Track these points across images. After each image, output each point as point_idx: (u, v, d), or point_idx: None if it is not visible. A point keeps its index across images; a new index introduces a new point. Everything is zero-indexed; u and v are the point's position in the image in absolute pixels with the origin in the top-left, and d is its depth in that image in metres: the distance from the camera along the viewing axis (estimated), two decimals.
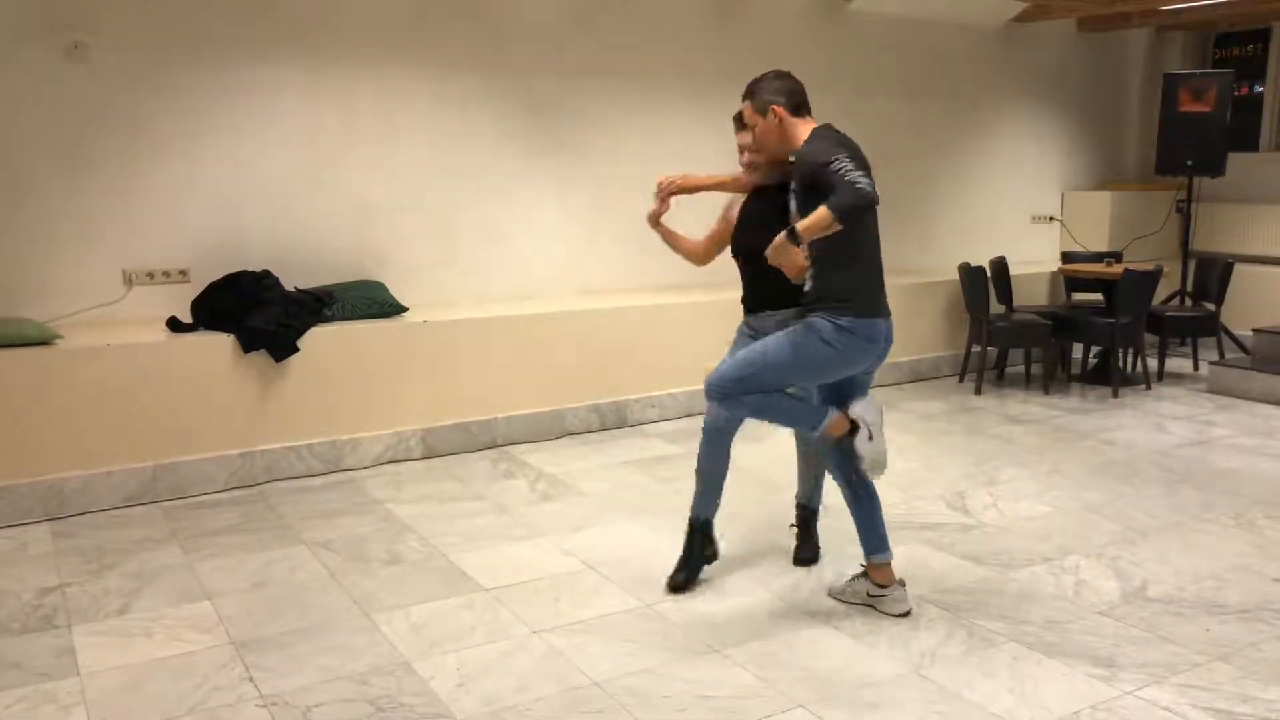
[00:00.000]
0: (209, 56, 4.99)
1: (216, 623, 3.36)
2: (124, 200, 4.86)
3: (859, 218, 3.02)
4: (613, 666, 3.06)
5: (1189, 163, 7.35)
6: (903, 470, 5.00)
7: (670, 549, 3.97)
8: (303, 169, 5.28)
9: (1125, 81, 8.71)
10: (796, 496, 3.93)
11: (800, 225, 3.00)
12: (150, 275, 4.95)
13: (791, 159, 3.29)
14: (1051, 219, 8.45)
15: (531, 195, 5.93)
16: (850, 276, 3.23)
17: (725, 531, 4.16)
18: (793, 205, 3.31)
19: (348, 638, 3.25)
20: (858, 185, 2.93)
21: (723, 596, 3.56)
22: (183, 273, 5.01)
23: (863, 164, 3.04)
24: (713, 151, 6.58)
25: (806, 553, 3.86)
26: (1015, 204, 8.22)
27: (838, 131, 3.24)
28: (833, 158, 3.00)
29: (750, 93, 3.34)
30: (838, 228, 2.96)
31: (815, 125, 3.28)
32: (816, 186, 3.06)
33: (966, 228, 7.90)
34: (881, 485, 4.74)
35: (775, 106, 3.26)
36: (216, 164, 5.06)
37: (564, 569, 3.79)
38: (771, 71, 3.35)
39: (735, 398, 3.28)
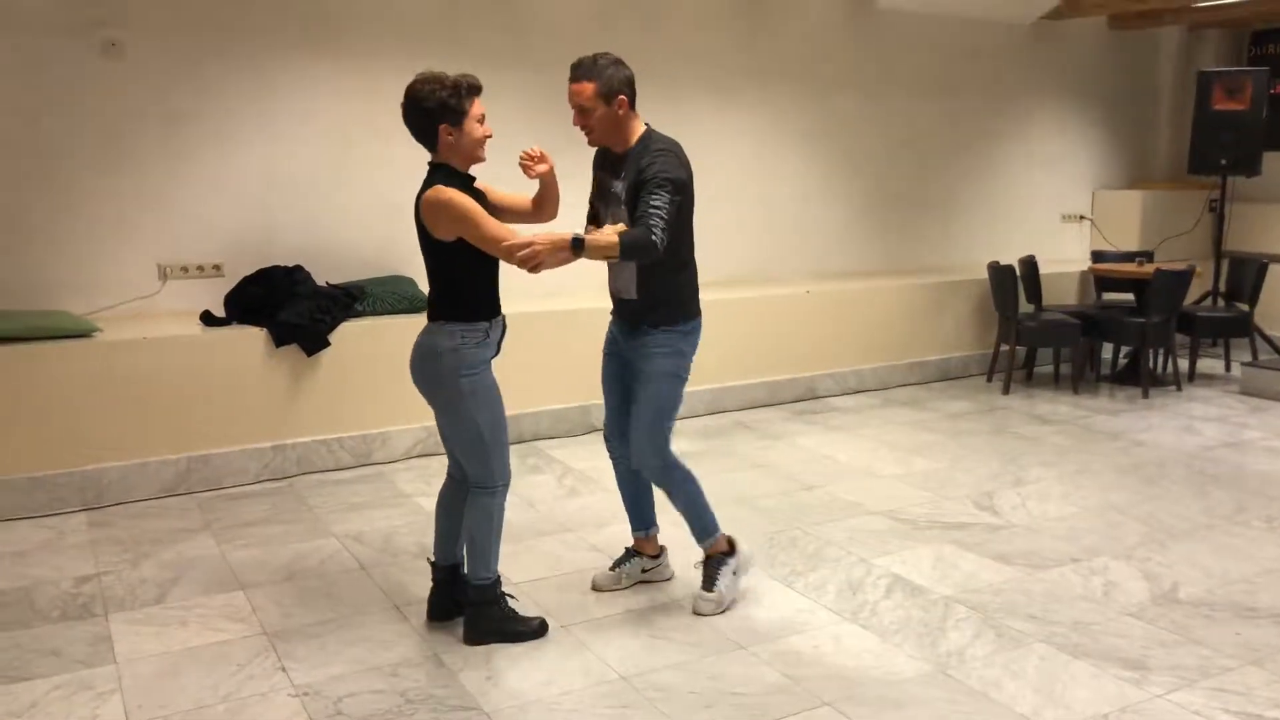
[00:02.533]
0: (242, 54, 5.04)
1: (250, 613, 3.41)
2: (159, 195, 4.93)
3: (634, 260, 3.08)
4: (640, 662, 3.08)
5: (1223, 162, 7.26)
6: (930, 470, 4.99)
7: (696, 545, 3.99)
8: (333, 165, 5.33)
9: (1157, 79, 8.62)
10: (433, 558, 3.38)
11: (590, 241, 2.95)
12: (184, 269, 5.02)
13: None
14: (1082, 218, 8.39)
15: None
16: (685, 279, 3.32)
17: (753, 524, 4.17)
18: (619, 187, 3.20)
19: (378, 630, 3.29)
20: (653, 237, 2.97)
21: (749, 594, 3.57)
22: (216, 267, 5.07)
23: (680, 199, 3.07)
24: (741, 148, 6.59)
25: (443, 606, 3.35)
26: (1045, 203, 8.16)
27: (676, 145, 3.19)
28: (663, 195, 3.02)
29: (593, 73, 3.09)
30: (614, 260, 3.03)
31: (645, 125, 3.22)
32: (637, 197, 3.08)
33: (995, 226, 7.85)
34: (909, 484, 4.75)
35: (622, 97, 3.13)
36: (249, 160, 5.11)
37: (591, 564, 3.81)
38: (611, 55, 3.13)
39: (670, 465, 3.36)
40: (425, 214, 2.98)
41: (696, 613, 3.40)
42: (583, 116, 3.14)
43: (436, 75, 2.99)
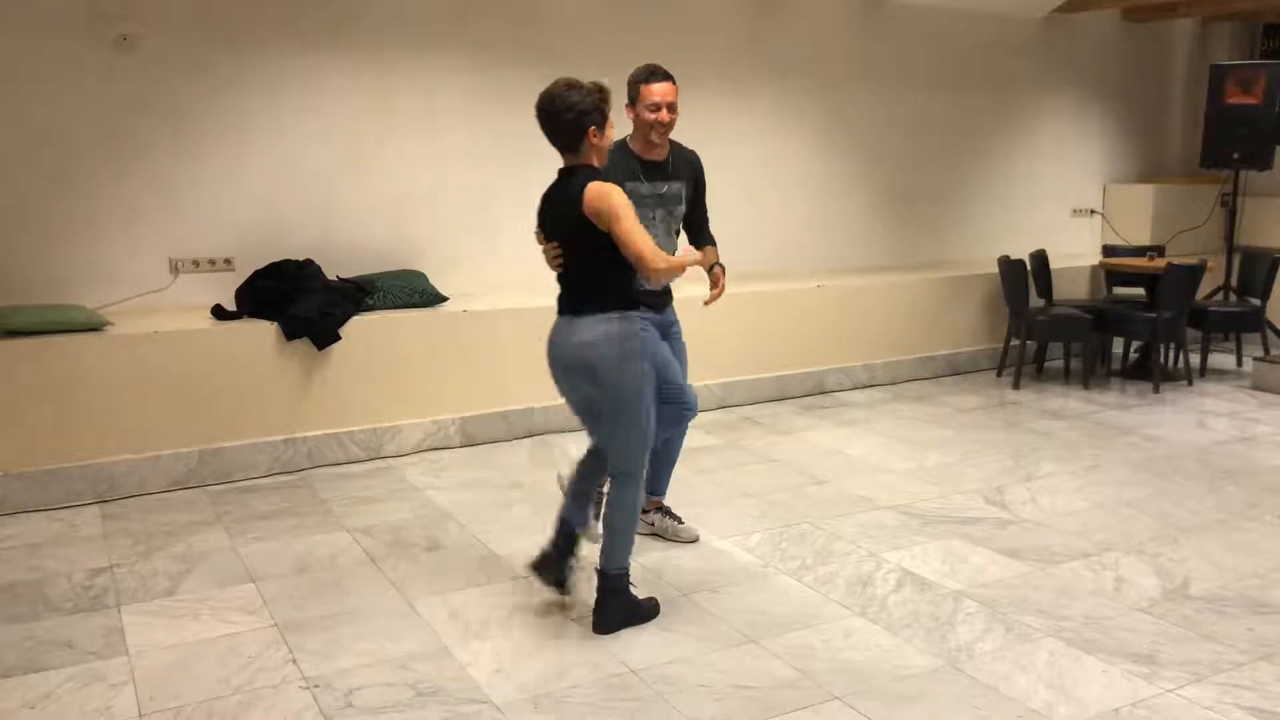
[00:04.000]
0: (254, 48, 5.05)
1: (260, 605, 3.42)
2: (170, 190, 4.95)
3: None
4: (650, 655, 3.09)
5: (1235, 156, 7.23)
6: (940, 465, 4.98)
7: (707, 539, 4.00)
8: (345, 159, 5.34)
9: (1170, 73, 8.58)
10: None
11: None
12: (196, 263, 5.03)
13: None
14: (1093, 212, 8.35)
15: None
16: None
17: (763, 519, 4.18)
18: (666, 188, 3.67)
19: (388, 622, 3.30)
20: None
21: (758, 588, 3.57)
22: (227, 261, 5.09)
23: None
24: (751, 144, 6.58)
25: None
26: (1056, 197, 8.13)
27: None
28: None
29: (671, 76, 3.60)
30: None
31: None
32: (698, 195, 3.83)
33: (1006, 220, 7.83)
34: (918, 479, 4.75)
35: None
36: (260, 154, 5.13)
37: None
38: None
39: None
40: (592, 204, 3.01)
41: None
42: (671, 114, 3.55)
43: (576, 80, 3.08)
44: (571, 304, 3.21)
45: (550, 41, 5.82)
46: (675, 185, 3.70)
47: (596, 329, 3.11)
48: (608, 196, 3.00)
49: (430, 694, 2.87)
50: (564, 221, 3.12)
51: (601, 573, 3.27)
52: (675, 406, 3.42)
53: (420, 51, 5.46)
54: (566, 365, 3.19)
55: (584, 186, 3.03)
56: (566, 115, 3.04)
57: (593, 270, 3.13)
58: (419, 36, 5.45)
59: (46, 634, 3.21)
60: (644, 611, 3.33)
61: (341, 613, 3.37)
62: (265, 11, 5.06)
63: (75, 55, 4.68)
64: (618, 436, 3.20)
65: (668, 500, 4.04)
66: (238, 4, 4.99)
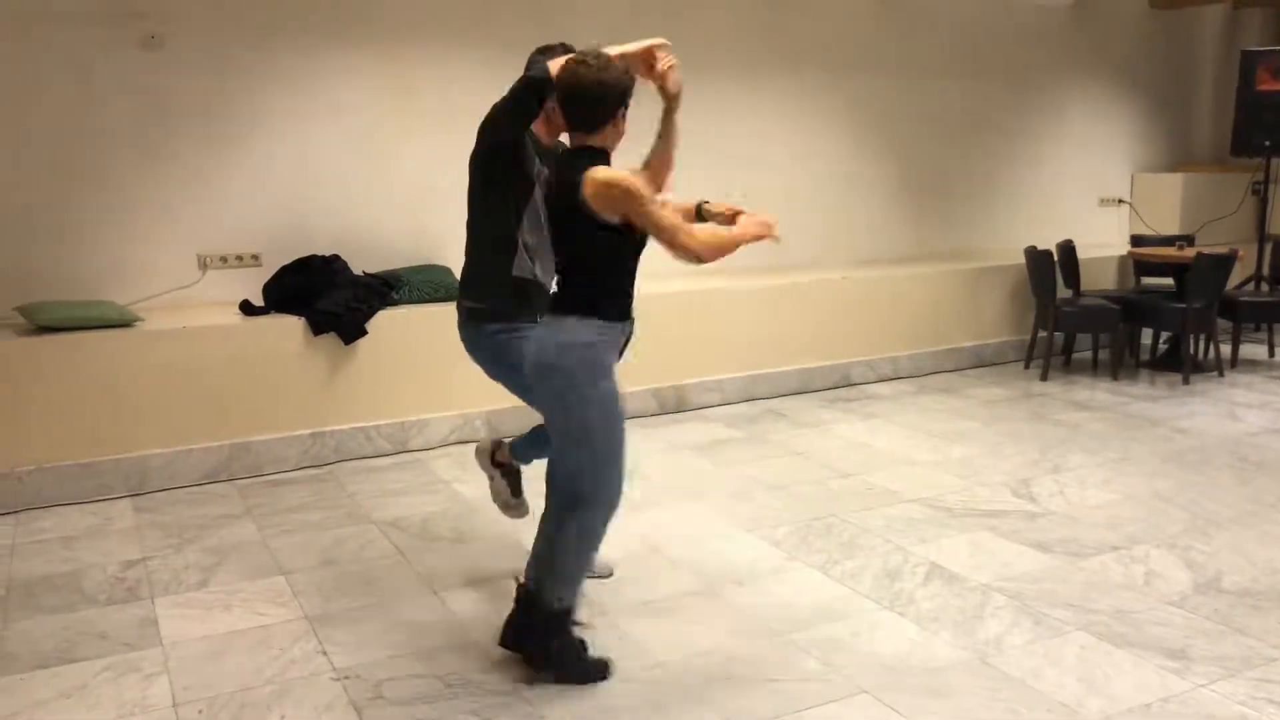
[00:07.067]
0: (279, 45, 5.08)
1: (291, 597, 3.46)
2: (198, 186, 4.99)
3: None
4: (677, 648, 3.09)
5: (1267, 143, 7.14)
6: (966, 457, 4.95)
7: (732, 532, 4.00)
8: (369, 155, 5.36)
9: (1199, 59, 8.47)
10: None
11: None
12: (224, 259, 5.07)
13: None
14: (1120, 201, 8.27)
15: None
16: None
17: (789, 512, 4.17)
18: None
19: (417, 615, 3.33)
20: None
21: (785, 581, 3.57)
22: (255, 257, 5.13)
23: None
24: (770, 133, 6.55)
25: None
26: (1083, 186, 8.05)
27: None
28: None
29: None
30: None
31: None
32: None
33: (1033, 210, 7.76)
34: (945, 472, 4.72)
35: None
36: (286, 151, 5.16)
37: (628, 551, 3.82)
38: None
39: None
40: (594, 193, 2.70)
41: None
42: None
43: (607, 55, 2.78)
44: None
45: (565, 33, 5.78)
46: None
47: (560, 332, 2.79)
48: (615, 185, 2.68)
49: (460, 686, 2.89)
50: (561, 205, 2.80)
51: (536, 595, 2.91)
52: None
53: (439, 47, 5.47)
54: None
55: (582, 172, 2.72)
56: (607, 92, 2.74)
57: (579, 266, 2.82)
58: (439, 31, 5.46)
59: (82, 625, 3.26)
60: (586, 673, 2.91)
61: (370, 605, 3.40)
62: (289, 8, 5.08)
63: (104, 53, 4.72)
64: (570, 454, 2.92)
65: None
66: (262, 3, 5.02)
